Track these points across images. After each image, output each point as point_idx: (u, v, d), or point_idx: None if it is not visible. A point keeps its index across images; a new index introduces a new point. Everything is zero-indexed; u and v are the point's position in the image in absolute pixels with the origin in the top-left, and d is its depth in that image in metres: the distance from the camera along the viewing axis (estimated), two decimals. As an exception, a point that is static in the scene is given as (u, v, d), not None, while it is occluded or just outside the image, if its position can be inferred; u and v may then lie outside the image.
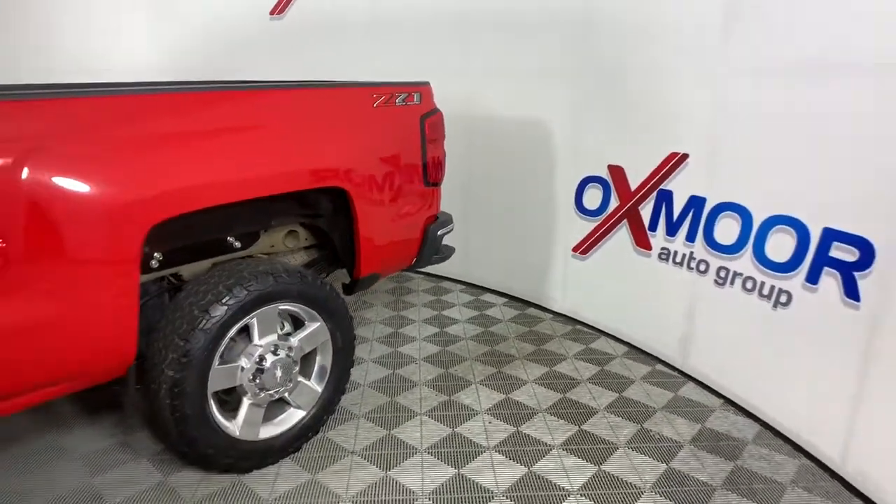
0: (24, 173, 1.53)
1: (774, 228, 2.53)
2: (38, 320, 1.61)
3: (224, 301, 2.02)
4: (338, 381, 2.48)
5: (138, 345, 1.91)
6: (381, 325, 3.63)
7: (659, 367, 3.19)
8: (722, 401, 2.86)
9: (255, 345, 2.19)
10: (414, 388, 2.93)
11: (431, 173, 2.73)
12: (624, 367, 3.18)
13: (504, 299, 4.11)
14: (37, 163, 1.55)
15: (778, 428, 2.60)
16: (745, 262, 2.69)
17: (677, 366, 3.13)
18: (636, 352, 3.34)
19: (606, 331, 3.56)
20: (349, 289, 2.67)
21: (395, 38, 4.18)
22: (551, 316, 3.84)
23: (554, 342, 3.47)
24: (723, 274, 2.81)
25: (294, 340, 2.29)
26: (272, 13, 4.62)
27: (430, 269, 4.34)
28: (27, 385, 1.68)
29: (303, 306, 2.28)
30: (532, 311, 3.92)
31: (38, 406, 2.23)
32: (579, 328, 3.65)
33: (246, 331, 2.17)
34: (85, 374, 1.81)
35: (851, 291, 2.23)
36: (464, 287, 4.34)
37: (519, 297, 4.08)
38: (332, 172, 2.26)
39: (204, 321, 1.99)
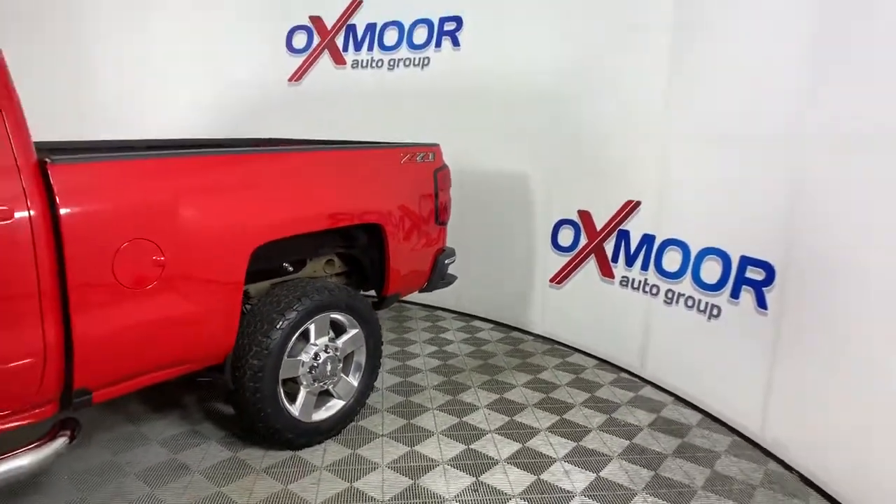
0: (177, 212, 2.18)
1: (706, 257, 3.31)
2: (183, 316, 2.23)
3: (295, 308, 2.66)
4: (369, 378, 3.10)
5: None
6: (388, 345, 4.24)
7: (622, 374, 3.88)
8: (673, 398, 3.55)
9: (312, 344, 2.81)
10: (424, 391, 3.55)
11: (441, 215, 3.45)
12: (595, 375, 3.87)
13: (491, 324, 4.79)
14: (187, 203, 2.21)
15: (715, 414, 3.30)
16: (686, 285, 3.45)
17: (637, 372, 3.83)
18: (604, 363, 4.04)
19: (579, 347, 4.25)
20: (377, 305, 3.31)
21: (396, 106, 4.95)
22: (532, 337, 4.52)
23: (536, 357, 4.14)
24: (670, 295, 3.56)
25: (339, 342, 2.92)
26: (290, 80, 5.37)
27: (424, 299, 4.98)
28: (174, 361, 2.28)
29: (347, 315, 2.93)
30: (516, 333, 4.60)
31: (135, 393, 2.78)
32: (556, 346, 4.34)
33: (304, 334, 2.79)
34: (204, 357, 2.42)
35: (761, 302, 2.99)
36: (455, 315, 5.00)
37: (504, 322, 4.76)
38: (373, 212, 2.95)
39: (280, 323, 2.62)
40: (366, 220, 2.96)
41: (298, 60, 5.35)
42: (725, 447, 3.02)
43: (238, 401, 2.64)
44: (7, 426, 1.94)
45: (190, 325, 2.29)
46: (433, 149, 3.40)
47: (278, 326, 2.61)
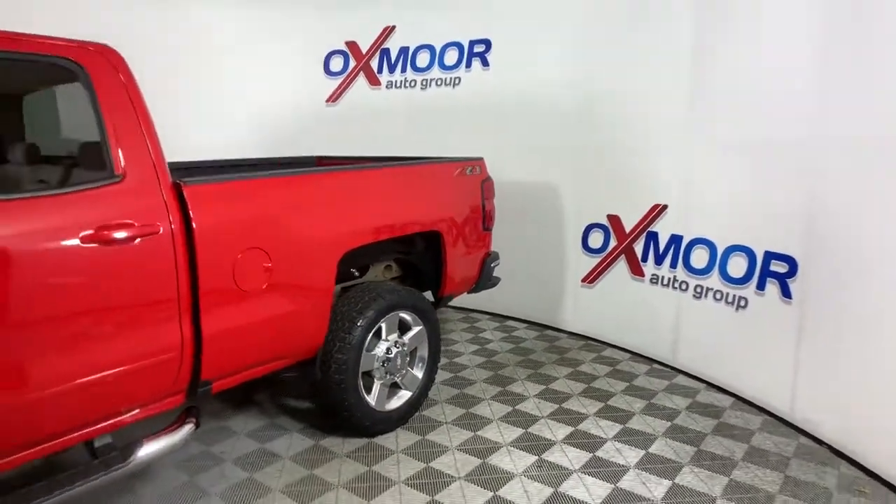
0: (281, 223, 2.51)
1: (732, 254, 3.62)
2: (286, 315, 2.56)
3: (372, 307, 2.98)
4: (431, 371, 3.41)
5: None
6: (435, 345, 4.55)
7: (656, 365, 4.18)
8: (705, 384, 3.85)
9: (384, 340, 3.13)
10: (475, 384, 3.86)
11: (487, 222, 3.77)
12: (630, 366, 4.17)
13: (525, 324, 5.10)
14: (288, 216, 2.54)
15: (747, 398, 3.59)
16: (714, 280, 3.76)
17: (670, 363, 4.13)
18: (637, 356, 4.34)
19: (612, 342, 4.56)
20: (433, 305, 3.62)
21: (430, 122, 5.30)
22: (566, 335, 4.82)
23: (573, 352, 4.45)
24: (699, 290, 3.87)
25: (406, 338, 3.24)
26: (328, 101, 5.72)
27: (459, 302, 5.28)
28: (277, 355, 2.60)
29: (412, 314, 3.24)
30: (550, 331, 4.91)
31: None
32: (590, 342, 4.64)
33: (377, 331, 3.10)
34: (301, 352, 2.74)
35: (786, 292, 3.29)
36: (490, 316, 5.31)
37: (537, 321, 5.07)
38: (434, 221, 3.28)
39: (360, 321, 2.93)
40: (427, 229, 3.28)
41: (335, 82, 5.71)
42: (759, 425, 3.31)
43: (324, 392, 2.95)
44: (149, 413, 2.26)
45: (291, 323, 2.61)
46: (479, 162, 3.73)
47: (358, 324, 2.93)
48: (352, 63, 5.67)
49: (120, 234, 2.01)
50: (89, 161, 2.15)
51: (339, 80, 5.72)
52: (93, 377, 1.98)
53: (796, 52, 3.15)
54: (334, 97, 5.72)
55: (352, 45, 5.65)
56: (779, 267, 3.34)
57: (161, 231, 2.12)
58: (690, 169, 3.86)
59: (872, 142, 2.76)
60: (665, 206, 4.06)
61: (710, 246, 3.78)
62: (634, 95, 4.17)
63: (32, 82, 2.62)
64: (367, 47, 5.61)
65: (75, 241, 1.93)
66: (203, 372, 2.33)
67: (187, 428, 2.36)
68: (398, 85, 5.53)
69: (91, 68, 2.10)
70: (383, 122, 5.53)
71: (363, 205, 2.88)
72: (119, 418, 2.16)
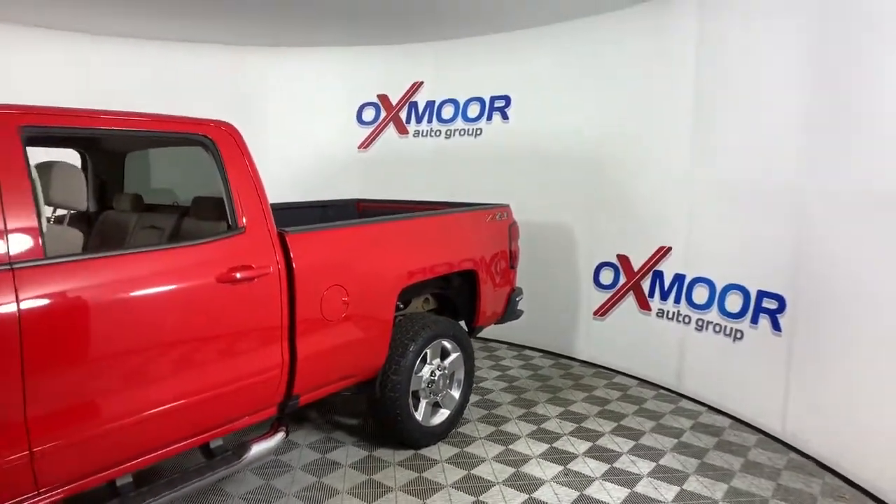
0: (355, 264, 3.03)
1: (729, 291, 4.14)
2: (358, 340, 3.05)
3: (421, 335, 3.47)
4: (466, 392, 3.89)
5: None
6: (461, 371, 5.02)
7: (662, 391, 4.66)
8: (707, 408, 4.33)
9: (429, 364, 3.62)
10: (501, 406, 4.33)
11: (513, 261, 4.29)
12: (638, 391, 4.65)
13: (540, 353, 5.58)
14: (360, 257, 3.06)
15: (743, 419, 4.07)
16: (713, 315, 4.28)
17: (674, 389, 4.62)
18: (645, 382, 4.82)
19: (622, 370, 5.04)
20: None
21: (453, 168, 5.86)
22: (579, 363, 5.31)
23: (586, 378, 4.93)
24: (700, 323, 4.38)
25: (447, 363, 3.73)
26: (360, 147, 6.30)
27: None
28: (349, 374, 3.10)
29: (452, 342, 3.74)
30: (563, 360, 5.40)
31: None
32: (601, 370, 5.13)
33: (423, 357, 3.59)
34: (369, 371, 3.23)
35: (776, 326, 3.81)
36: (507, 346, 5.80)
37: (551, 350, 5.56)
38: (471, 260, 3.80)
39: (412, 346, 3.42)
40: (466, 268, 3.80)
41: (367, 130, 6.30)
42: (754, 442, 3.79)
43: (381, 408, 3.42)
44: (252, 422, 2.74)
45: (362, 347, 3.11)
46: (507, 209, 4.27)
47: (410, 349, 3.42)
48: (382, 113, 6.27)
49: (243, 275, 2.52)
50: (220, 216, 2.67)
51: (371, 128, 6.30)
52: (223, 389, 2.47)
53: (785, 119, 3.71)
54: (366, 144, 6.30)
55: (383, 98, 6.25)
56: (770, 304, 3.86)
57: (271, 271, 2.64)
58: (692, 215, 4.41)
59: (850, 196, 3.30)
60: (670, 248, 4.60)
61: (710, 284, 4.30)
62: (642, 148, 4.74)
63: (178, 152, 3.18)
64: (397, 100, 6.21)
65: (212, 280, 2.43)
66: (295, 387, 2.82)
67: (280, 435, 2.84)
68: (424, 134, 6.12)
69: (219, 141, 2.64)
70: (410, 168, 6.10)
71: (418, 247, 3.42)
72: (232, 425, 2.64)
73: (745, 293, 4.03)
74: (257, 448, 2.71)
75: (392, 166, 6.17)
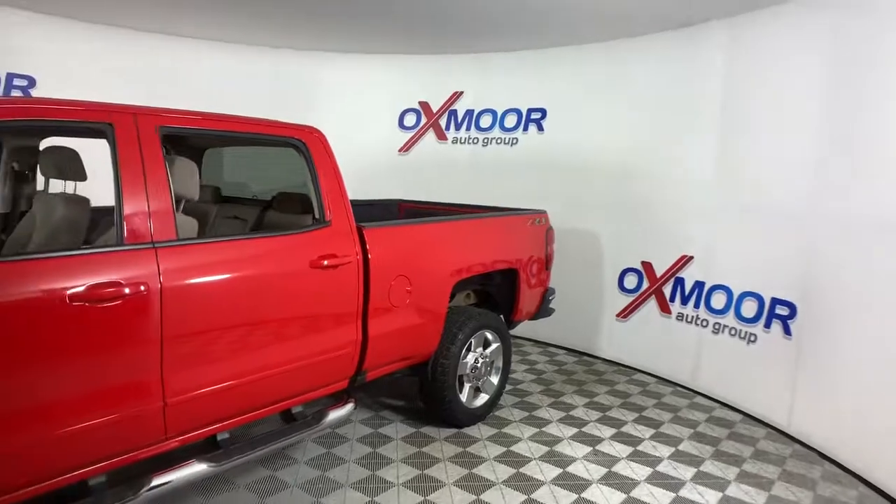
0: (418, 257, 3.44)
1: (745, 298, 4.52)
2: (417, 325, 3.46)
3: (468, 325, 3.88)
4: (504, 380, 4.29)
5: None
6: (491, 363, 5.42)
7: (678, 388, 5.04)
8: (720, 404, 4.71)
9: (473, 352, 4.02)
10: (532, 395, 4.73)
11: (548, 263, 4.69)
12: (657, 387, 5.03)
13: (565, 350, 5.97)
14: (422, 252, 3.47)
15: (754, 414, 4.44)
16: (730, 319, 4.65)
17: (690, 386, 4.99)
18: (663, 380, 5.20)
19: (641, 369, 5.42)
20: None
21: (489, 175, 6.27)
22: (601, 361, 5.69)
23: (608, 374, 5.31)
24: (717, 327, 4.76)
25: (488, 351, 4.13)
26: (400, 150, 6.72)
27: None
28: (408, 356, 3.51)
29: (493, 332, 4.14)
30: (587, 357, 5.79)
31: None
32: (622, 368, 5.51)
33: (468, 345, 3.99)
34: (424, 354, 3.64)
35: (787, 331, 4.18)
36: (533, 343, 6.19)
37: (575, 348, 5.95)
38: (513, 260, 4.20)
39: (460, 334, 3.83)
40: (508, 266, 4.20)
41: (408, 135, 6.72)
42: (763, 435, 4.17)
43: (432, 389, 3.83)
44: (327, 392, 3.15)
45: (420, 332, 3.52)
46: (544, 215, 4.67)
47: (459, 338, 3.83)
48: (423, 120, 6.69)
49: (330, 262, 2.94)
50: (304, 209, 3.09)
51: (411, 133, 6.72)
52: (310, 360, 2.88)
53: (801, 145, 4.09)
54: (406, 147, 6.72)
55: (424, 105, 6.67)
56: (782, 310, 4.24)
57: (351, 260, 3.05)
58: (714, 228, 4.79)
59: (854, 216, 3.67)
60: (692, 257, 4.98)
61: (728, 291, 4.68)
62: (668, 163, 5.12)
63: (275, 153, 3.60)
64: (438, 107, 6.62)
65: (306, 265, 2.85)
66: (365, 363, 3.23)
67: (350, 405, 3.25)
68: (462, 141, 6.53)
69: (310, 144, 3.06)
70: (448, 172, 6.50)
71: (472, 246, 3.83)
72: (312, 393, 3.05)
73: (760, 300, 4.41)
74: (333, 414, 3.13)
75: (430, 170, 6.58)
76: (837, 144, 3.83)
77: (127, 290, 2.18)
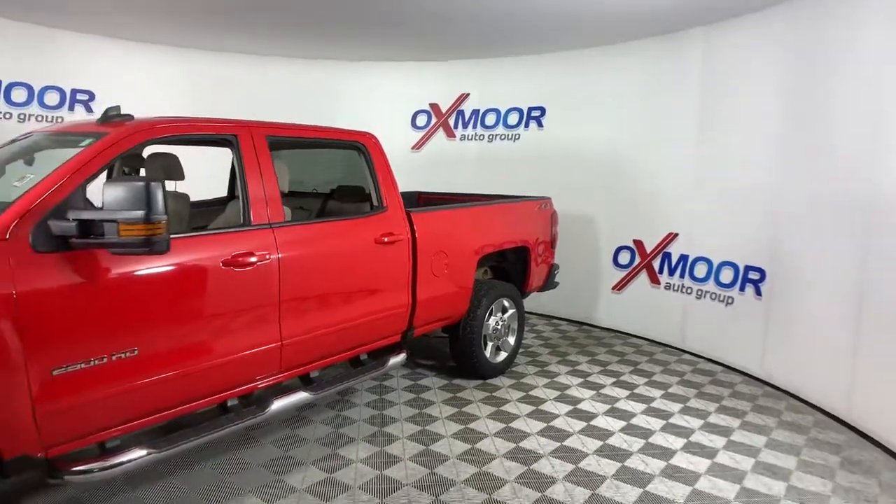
0: (453, 236, 4.20)
1: (723, 267, 5.32)
2: (452, 292, 4.22)
3: (490, 294, 4.64)
4: (519, 340, 5.06)
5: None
6: (504, 332, 6.19)
7: (668, 347, 5.84)
8: (704, 359, 5.50)
9: (494, 317, 4.79)
10: (542, 356, 5.50)
11: (553, 242, 5.46)
12: (650, 348, 5.83)
13: (566, 321, 6.76)
14: (456, 232, 4.23)
15: (732, 365, 5.24)
16: (710, 285, 5.45)
17: (678, 346, 5.79)
18: (654, 342, 5.99)
19: (635, 333, 6.22)
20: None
21: (494, 168, 7.02)
22: (599, 328, 6.48)
23: (606, 339, 6.11)
24: (699, 293, 5.55)
25: (506, 316, 4.90)
26: (413, 148, 7.45)
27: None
28: (445, 317, 4.27)
29: (510, 300, 4.91)
30: (586, 326, 6.57)
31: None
32: (618, 334, 6.30)
33: (490, 311, 4.75)
34: (456, 316, 4.40)
35: (758, 292, 4.98)
36: (538, 316, 6.96)
37: (575, 319, 6.73)
38: (525, 239, 4.97)
39: (484, 301, 4.59)
40: (521, 244, 4.97)
41: (420, 134, 7.45)
42: (739, 380, 4.97)
43: (462, 346, 4.59)
44: (385, 344, 3.90)
45: (454, 298, 4.27)
46: (549, 200, 5.44)
47: (483, 304, 4.59)
48: (433, 120, 7.42)
49: (388, 239, 3.69)
50: (362, 199, 3.84)
51: (423, 132, 7.46)
52: (375, 317, 3.64)
53: (765, 138, 4.87)
54: (418, 145, 7.46)
55: (434, 106, 7.41)
56: (754, 275, 5.03)
57: (403, 238, 3.80)
58: (695, 208, 5.57)
59: (810, 196, 4.46)
60: (677, 234, 5.77)
61: (708, 262, 5.47)
62: (655, 151, 5.90)
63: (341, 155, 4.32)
64: (447, 108, 7.36)
65: (372, 241, 3.60)
66: (414, 321, 3.99)
67: (403, 355, 4.01)
68: (470, 138, 7.28)
69: (369, 146, 3.81)
70: (457, 166, 7.25)
71: (493, 227, 4.60)
72: (374, 344, 3.80)
73: (736, 268, 5.21)
74: (392, 360, 3.89)
75: (441, 165, 7.32)
76: (797, 137, 4.62)
77: (255, 259, 2.92)
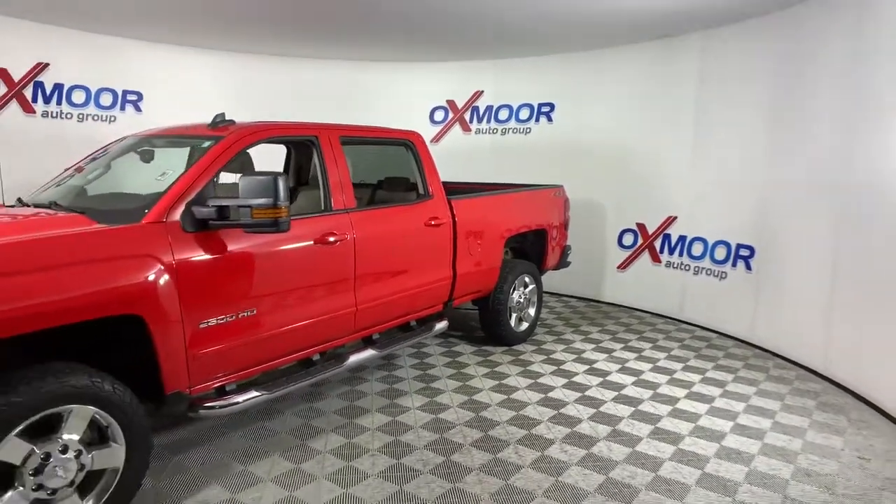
0: (484, 220, 4.84)
1: (717, 245, 5.99)
2: (484, 269, 4.86)
3: (514, 271, 5.29)
4: (538, 313, 5.72)
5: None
6: (521, 308, 6.85)
7: (668, 318, 6.52)
8: (699, 328, 6.19)
9: (517, 291, 5.44)
10: (557, 327, 6.17)
11: (566, 225, 6.11)
12: (651, 319, 6.50)
13: (575, 298, 7.43)
14: (487, 216, 4.87)
15: (725, 332, 5.93)
16: (706, 262, 6.12)
17: (677, 317, 6.47)
18: (655, 315, 6.67)
19: (638, 308, 6.89)
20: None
21: (507, 159, 7.65)
22: (606, 304, 7.16)
23: (612, 312, 6.78)
24: (696, 269, 6.23)
25: (527, 291, 5.56)
26: (431, 142, 8.05)
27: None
28: (477, 289, 4.92)
29: (531, 277, 5.56)
30: (593, 302, 7.25)
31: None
32: (622, 308, 6.98)
33: (514, 286, 5.40)
34: (487, 290, 5.04)
35: (748, 267, 5.65)
36: (549, 294, 7.63)
37: (583, 296, 7.40)
38: (543, 223, 5.62)
39: (510, 277, 5.24)
40: (538, 227, 5.61)
41: (438, 128, 8.06)
42: (732, 345, 5.65)
43: (491, 317, 5.24)
44: (430, 313, 4.54)
45: (486, 273, 4.92)
46: (561, 188, 6.08)
47: (508, 280, 5.24)
48: (450, 115, 8.03)
49: (435, 223, 4.32)
50: (408, 188, 4.46)
51: (441, 127, 8.07)
52: (424, 288, 4.28)
53: (754, 132, 5.53)
54: (437, 139, 8.06)
55: (451, 103, 8.02)
56: (744, 252, 5.70)
57: (446, 221, 4.44)
58: (692, 193, 6.23)
59: (793, 180, 5.12)
60: (676, 217, 6.44)
61: (704, 241, 6.14)
62: (656, 142, 6.54)
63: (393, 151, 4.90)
64: (462, 104, 7.98)
65: (422, 224, 4.24)
66: (454, 293, 4.63)
67: (445, 322, 4.66)
68: (484, 132, 7.90)
69: (415, 143, 4.43)
70: (473, 158, 7.87)
71: (516, 212, 5.24)
72: (422, 312, 4.45)
73: (728, 246, 5.88)
74: (438, 326, 4.55)
75: (458, 157, 7.92)
76: (782, 131, 5.27)
77: (337, 238, 3.55)
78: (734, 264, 5.81)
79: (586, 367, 4.96)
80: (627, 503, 2.98)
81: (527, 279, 5.56)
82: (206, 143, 3.24)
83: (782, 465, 3.39)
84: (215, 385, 3.11)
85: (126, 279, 2.56)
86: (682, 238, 6.40)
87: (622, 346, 5.55)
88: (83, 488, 2.55)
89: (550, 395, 4.35)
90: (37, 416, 2.35)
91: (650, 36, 6.38)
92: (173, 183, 2.96)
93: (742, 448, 3.58)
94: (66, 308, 2.37)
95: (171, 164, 3.36)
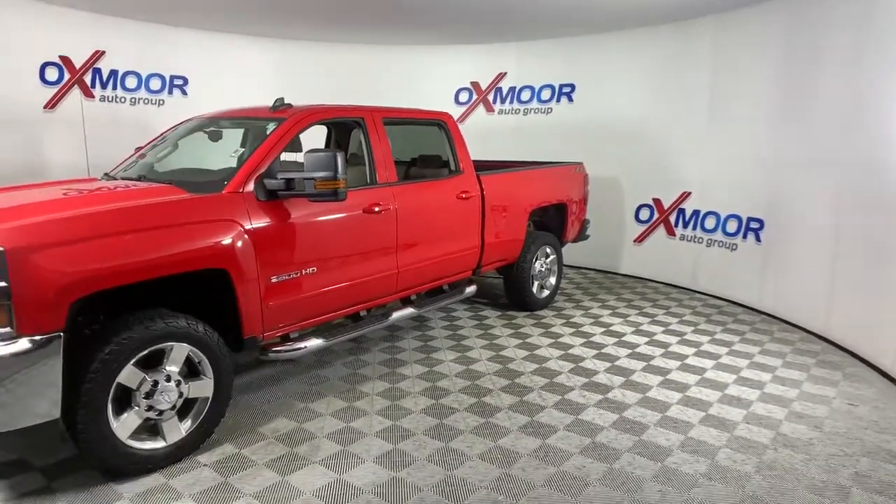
0: (510, 193, 5.27)
1: (729, 219, 6.35)
2: (509, 239, 5.30)
3: (536, 242, 5.72)
4: (558, 281, 6.16)
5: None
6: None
7: (682, 289, 6.91)
8: (711, 297, 6.58)
9: (539, 260, 5.88)
10: (575, 295, 6.60)
11: (585, 200, 6.51)
12: (666, 290, 6.90)
13: (593, 271, 7.84)
14: (512, 190, 5.30)
15: (735, 300, 6.31)
16: (718, 235, 6.49)
17: (691, 287, 6.86)
18: (670, 286, 7.07)
19: (653, 278, 7.29)
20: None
21: (529, 138, 8.03)
22: (622, 276, 7.57)
23: (629, 283, 7.19)
24: (709, 242, 6.60)
25: (548, 261, 5.99)
26: (457, 121, 8.42)
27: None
28: (502, 258, 5.36)
29: (552, 247, 5.99)
30: (610, 274, 7.66)
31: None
32: (638, 279, 7.38)
33: (536, 256, 5.83)
34: (511, 258, 5.49)
35: (758, 239, 6.02)
36: (568, 267, 8.05)
37: (600, 268, 7.81)
38: (563, 198, 6.03)
39: (532, 247, 5.67)
40: (559, 201, 6.03)
41: (462, 109, 8.46)
42: (741, 312, 6.05)
43: (515, 283, 5.70)
44: (460, 278, 5.01)
45: (511, 243, 5.37)
46: (581, 165, 6.47)
47: (531, 250, 5.67)
48: (474, 96, 8.42)
49: (465, 196, 4.76)
50: (440, 165, 4.90)
51: (465, 107, 8.46)
52: (455, 255, 4.73)
53: (764, 113, 5.85)
54: (461, 119, 8.46)
55: (475, 84, 8.39)
56: (754, 225, 6.07)
57: (475, 195, 4.88)
58: (705, 170, 6.58)
59: (799, 158, 5.46)
60: (690, 193, 6.80)
61: (717, 215, 6.50)
62: (671, 121, 6.88)
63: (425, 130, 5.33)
64: (486, 85, 8.35)
65: (454, 198, 4.68)
66: (482, 260, 5.09)
67: (474, 286, 5.12)
68: (507, 112, 8.27)
69: (448, 123, 4.86)
70: (497, 137, 8.26)
71: (539, 187, 5.66)
72: (454, 277, 4.91)
73: (739, 219, 6.24)
74: (468, 290, 5.03)
75: (482, 136, 8.27)
76: (789, 111, 5.60)
77: (378, 209, 4.01)
78: (745, 237, 6.18)
79: (603, 329, 5.40)
80: (638, 436, 3.44)
81: (548, 250, 5.99)
82: (271, 125, 3.70)
83: (778, 409, 3.82)
84: (281, 333, 3.61)
85: (216, 238, 3.05)
86: (696, 212, 6.76)
87: (637, 311, 5.98)
88: (182, 413, 3.07)
89: (570, 352, 4.81)
90: (147, 350, 2.86)
91: (665, 19, 6.68)
92: (246, 159, 3.43)
93: (743, 395, 4.01)
94: (171, 261, 2.88)
95: (238, 142, 3.84)
